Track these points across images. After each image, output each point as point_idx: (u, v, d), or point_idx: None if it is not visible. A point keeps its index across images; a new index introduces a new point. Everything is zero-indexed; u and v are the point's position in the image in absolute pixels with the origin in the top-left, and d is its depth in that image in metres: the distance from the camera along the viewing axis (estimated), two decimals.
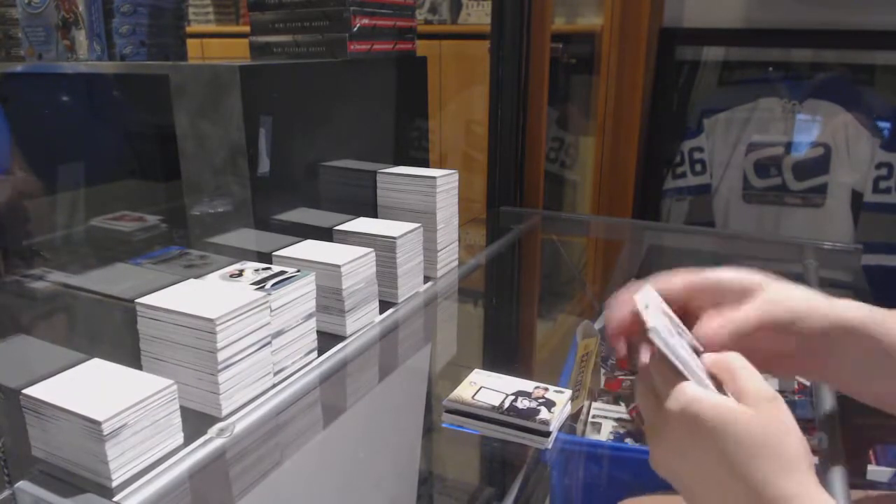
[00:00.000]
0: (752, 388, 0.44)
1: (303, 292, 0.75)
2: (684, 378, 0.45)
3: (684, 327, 0.52)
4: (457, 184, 1.05)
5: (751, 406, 0.43)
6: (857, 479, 0.72)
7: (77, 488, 0.56)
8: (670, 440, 0.46)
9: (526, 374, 0.78)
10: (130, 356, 0.67)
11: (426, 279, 1.00)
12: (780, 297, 0.52)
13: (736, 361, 0.46)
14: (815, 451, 0.76)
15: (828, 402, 0.73)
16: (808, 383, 1.00)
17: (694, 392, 0.44)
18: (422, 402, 0.93)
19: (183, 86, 0.87)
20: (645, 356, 0.50)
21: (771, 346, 0.52)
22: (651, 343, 0.47)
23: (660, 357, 0.47)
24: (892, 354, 0.51)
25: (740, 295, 0.53)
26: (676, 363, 0.45)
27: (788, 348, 0.53)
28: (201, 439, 0.63)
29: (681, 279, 0.54)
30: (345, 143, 1.04)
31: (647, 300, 0.49)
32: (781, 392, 0.95)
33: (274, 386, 0.72)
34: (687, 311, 0.54)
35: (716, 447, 0.43)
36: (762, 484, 0.41)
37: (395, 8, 1.11)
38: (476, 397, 0.74)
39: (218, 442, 0.63)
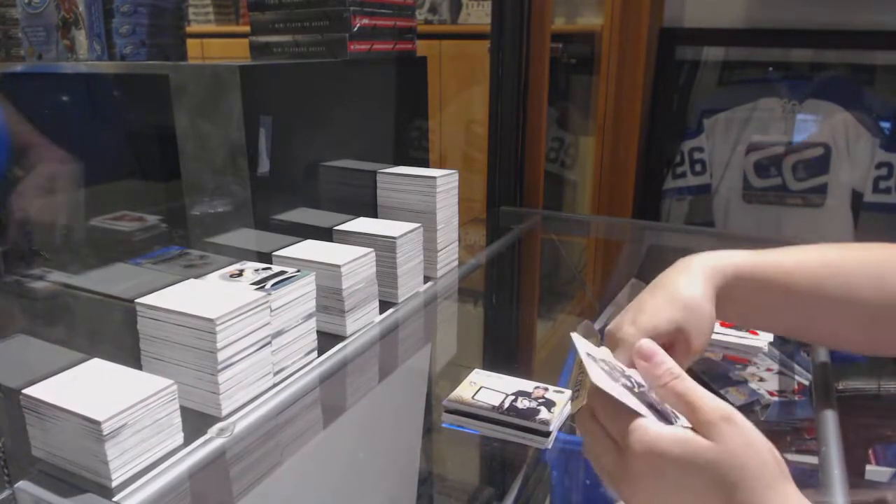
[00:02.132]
0: (708, 408, 0.43)
1: (303, 292, 0.75)
2: (638, 414, 0.44)
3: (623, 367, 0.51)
4: (457, 184, 1.05)
5: (711, 431, 0.42)
6: (856, 479, 0.72)
7: (77, 488, 0.56)
8: (642, 483, 0.44)
9: (526, 374, 0.78)
10: (130, 356, 0.67)
11: (426, 279, 1.00)
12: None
13: (684, 385, 0.45)
14: (814, 451, 0.76)
15: (828, 402, 0.73)
16: (807, 383, 1.00)
17: (656, 430, 0.43)
18: (422, 402, 0.93)
19: (183, 86, 0.87)
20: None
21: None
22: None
23: (606, 399, 0.46)
24: (784, 286, 0.58)
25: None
26: (628, 403, 0.44)
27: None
28: (201, 439, 0.63)
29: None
30: (345, 143, 1.04)
31: (583, 348, 0.49)
32: (781, 392, 0.95)
33: (274, 386, 0.72)
34: None
35: (687, 482, 0.42)
36: None
37: (395, 8, 1.11)
38: (476, 397, 0.74)
39: (218, 442, 0.63)
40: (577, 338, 0.51)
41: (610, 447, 0.46)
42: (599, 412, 0.47)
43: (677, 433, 0.43)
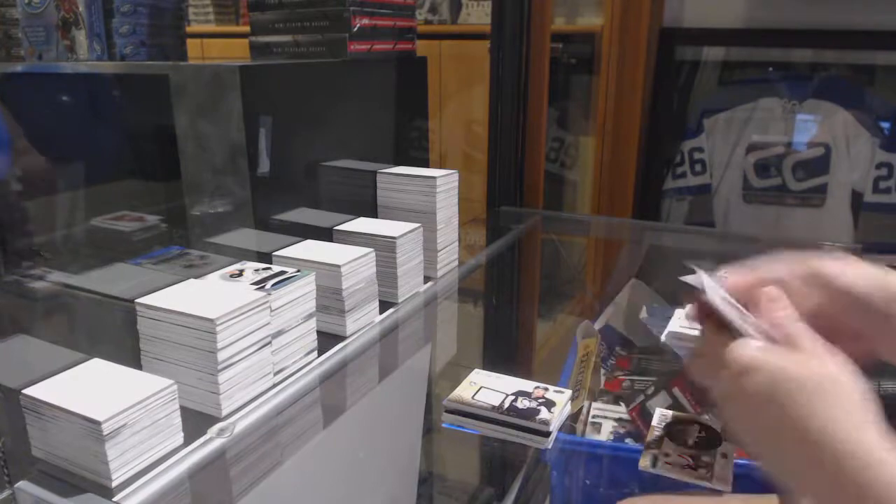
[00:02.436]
0: (807, 345, 0.45)
1: (303, 292, 0.75)
2: (740, 336, 0.47)
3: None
4: (457, 184, 1.05)
5: (809, 356, 0.44)
6: None
7: (77, 488, 0.56)
8: (740, 403, 0.47)
9: (526, 374, 0.78)
10: (130, 356, 0.67)
11: (426, 279, 1.00)
12: (844, 280, 0.53)
13: (794, 329, 0.47)
14: None
15: None
16: None
17: (755, 348, 0.46)
18: (422, 402, 0.93)
19: (183, 86, 0.87)
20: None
21: (845, 327, 0.53)
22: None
23: (719, 326, 0.50)
24: None
25: (807, 283, 0.54)
26: (734, 321, 0.48)
27: (861, 328, 0.53)
28: (201, 439, 0.62)
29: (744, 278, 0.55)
30: (345, 143, 1.04)
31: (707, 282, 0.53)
32: None
33: (274, 386, 0.72)
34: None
35: (785, 403, 0.43)
36: (832, 436, 0.42)
37: (395, 8, 1.11)
38: (476, 397, 0.74)
39: (218, 442, 0.63)
40: (701, 275, 0.53)
41: (715, 368, 0.49)
42: (712, 336, 0.50)
43: (776, 354, 0.45)
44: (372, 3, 1.04)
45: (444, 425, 0.74)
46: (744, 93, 1.80)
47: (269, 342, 0.70)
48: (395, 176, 1.02)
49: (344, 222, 0.95)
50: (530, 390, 0.75)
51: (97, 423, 0.54)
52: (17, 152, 1.07)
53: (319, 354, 0.79)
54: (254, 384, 0.69)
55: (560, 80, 1.99)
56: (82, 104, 1.06)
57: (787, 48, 1.77)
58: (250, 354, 0.68)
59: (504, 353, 1.18)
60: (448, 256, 1.05)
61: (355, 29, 1.02)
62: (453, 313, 1.05)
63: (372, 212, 1.04)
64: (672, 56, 1.85)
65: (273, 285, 0.72)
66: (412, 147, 1.22)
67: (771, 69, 1.79)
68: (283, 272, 0.76)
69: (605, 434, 0.99)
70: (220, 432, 0.64)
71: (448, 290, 1.03)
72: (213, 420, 0.65)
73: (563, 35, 1.95)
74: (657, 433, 0.73)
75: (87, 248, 1.04)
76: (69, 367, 0.61)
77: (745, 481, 0.68)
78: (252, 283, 0.73)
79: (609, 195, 1.87)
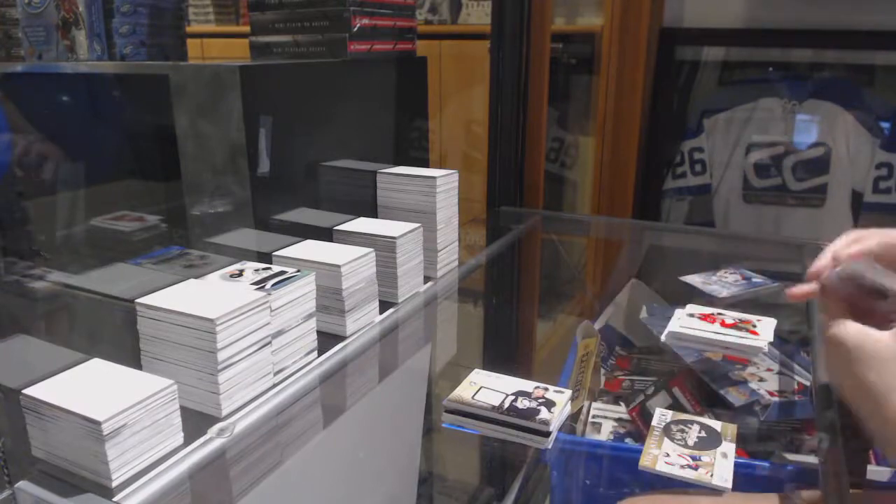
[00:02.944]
0: None
1: (303, 292, 0.75)
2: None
3: None
4: (457, 184, 1.05)
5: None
6: (857, 479, 0.72)
7: (77, 488, 0.56)
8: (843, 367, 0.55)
9: (526, 374, 0.78)
10: (130, 356, 0.67)
11: (426, 279, 1.00)
12: None
13: None
14: (814, 451, 0.76)
15: (828, 403, 0.73)
16: (807, 383, 1.00)
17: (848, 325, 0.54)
18: (422, 402, 0.93)
19: (183, 86, 0.87)
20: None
21: None
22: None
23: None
24: None
25: None
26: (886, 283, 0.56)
27: None
28: (201, 439, 0.63)
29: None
30: (345, 143, 1.04)
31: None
32: (781, 392, 0.95)
33: (274, 386, 0.72)
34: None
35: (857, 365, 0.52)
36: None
37: (395, 8, 1.11)
38: (476, 397, 0.74)
39: (218, 442, 0.63)
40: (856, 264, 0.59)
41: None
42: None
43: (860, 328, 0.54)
44: (372, 3, 1.04)
45: (444, 425, 0.74)
46: (744, 93, 1.80)
47: (269, 342, 0.70)
48: (395, 176, 1.02)
49: (344, 222, 0.95)
50: (530, 390, 0.75)
51: (97, 423, 0.54)
52: (16, 152, 1.07)
53: (319, 354, 0.79)
54: (254, 384, 0.69)
55: (560, 80, 1.99)
56: (82, 104, 1.06)
57: (787, 48, 1.77)
58: (250, 354, 0.68)
59: (504, 353, 1.18)
60: (448, 256, 1.05)
61: (355, 29, 1.02)
62: (453, 313, 1.05)
63: (372, 212, 1.04)
64: (672, 56, 1.85)
65: (273, 285, 0.72)
66: (412, 147, 1.22)
67: (771, 69, 1.79)
68: (283, 272, 0.76)
69: (605, 434, 0.99)
70: (220, 432, 0.64)
71: (448, 290, 1.03)
72: (213, 420, 0.65)
73: (563, 35, 1.95)
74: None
75: (87, 248, 1.04)
76: (69, 367, 0.61)
77: (745, 481, 0.68)
78: (252, 283, 0.73)
79: (609, 195, 1.87)
